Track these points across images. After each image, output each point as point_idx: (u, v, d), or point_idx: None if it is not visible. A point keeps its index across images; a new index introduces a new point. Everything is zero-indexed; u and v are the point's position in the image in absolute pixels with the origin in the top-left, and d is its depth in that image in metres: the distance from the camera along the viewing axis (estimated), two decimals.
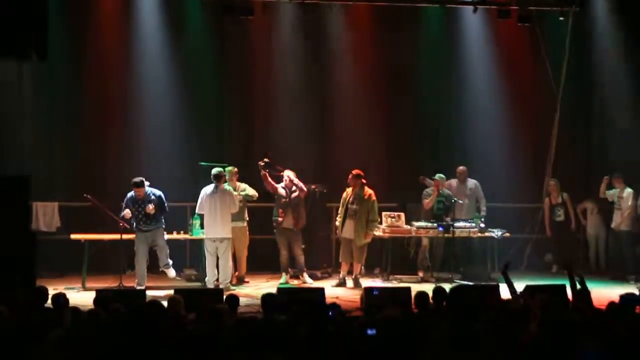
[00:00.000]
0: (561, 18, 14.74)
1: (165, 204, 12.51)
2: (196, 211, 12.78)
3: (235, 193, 12.84)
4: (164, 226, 12.64)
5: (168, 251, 12.67)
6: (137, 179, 12.36)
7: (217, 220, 12.60)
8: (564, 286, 9.61)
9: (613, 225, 14.26)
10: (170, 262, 12.67)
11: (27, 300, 8.19)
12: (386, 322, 6.21)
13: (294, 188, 13.19)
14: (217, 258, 12.68)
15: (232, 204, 12.70)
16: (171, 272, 12.72)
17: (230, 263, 12.84)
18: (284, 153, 14.53)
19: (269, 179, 13.10)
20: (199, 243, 12.91)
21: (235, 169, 13.25)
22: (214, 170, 12.71)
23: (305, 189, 13.26)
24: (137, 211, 12.38)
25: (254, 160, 13.58)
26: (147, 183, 12.46)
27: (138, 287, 12.11)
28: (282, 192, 13.18)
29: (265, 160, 13.09)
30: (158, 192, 12.49)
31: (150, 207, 12.26)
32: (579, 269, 13.01)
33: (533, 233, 15.16)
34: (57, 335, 6.37)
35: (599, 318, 7.05)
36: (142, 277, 12.41)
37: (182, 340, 6.24)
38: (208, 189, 12.66)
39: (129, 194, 12.42)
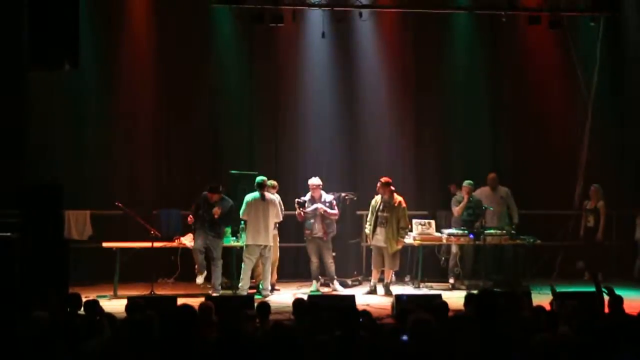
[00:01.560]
0: (592, 23, 14.65)
1: (232, 214, 12.66)
2: (241, 215, 12.80)
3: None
4: (223, 238, 12.74)
5: (220, 272, 12.69)
6: (214, 184, 12.66)
7: (263, 228, 12.66)
8: (595, 293, 9.51)
9: None
10: (220, 289, 12.70)
11: (62, 307, 8.27)
12: (416, 326, 6.20)
13: (323, 199, 13.20)
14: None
15: (278, 213, 12.82)
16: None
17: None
18: (313, 160, 14.60)
19: (302, 214, 13.19)
20: (231, 250, 12.96)
21: (275, 183, 13.21)
22: (258, 179, 12.79)
23: (337, 212, 13.28)
24: (205, 213, 12.56)
25: (284, 167, 13.61)
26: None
27: (198, 279, 12.69)
28: (310, 206, 13.21)
29: (304, 199, 13.17)
30: (230, 202, 12.65)
31: (216, 209, 12.47)
32: (610, 276, 13.16)
33: (565, 240, 15.06)
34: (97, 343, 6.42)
35: (630, 324, 7.00)
36: (203, 265, 12.68)
37: (213, 346, 6.27)
38: (254, 195, 12.72)
39: (204, 193, 12.62)
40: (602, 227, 14.49)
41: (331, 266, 13.35)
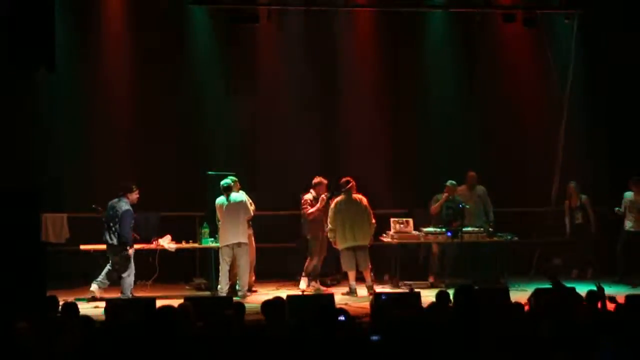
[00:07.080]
0: (566, 21, 14.72)
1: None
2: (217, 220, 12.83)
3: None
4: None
5: (108, 270, 12.47)
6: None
7: (236, 226, 12.63)
8: (573, 289, 9.60)
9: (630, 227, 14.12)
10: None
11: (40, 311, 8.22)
12: (393, 323, 6.22)
13: (305, 198, 13.27)
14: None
15: (247, 210, 12.77)
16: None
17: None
18: (291, 159, 14.60)
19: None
20: (208, 252, 12.92)
21: (235, 179, 13.17)
22: (223, 182, 12.73)
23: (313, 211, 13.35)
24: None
25: (261, 167, 13.58)
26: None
27: None
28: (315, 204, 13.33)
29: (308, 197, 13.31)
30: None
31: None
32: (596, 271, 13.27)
33: (542, 237, 15.12)
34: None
35: (608, 318, 7.06)
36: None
37: (191, 346, 6.26)
38: (221, 200, 12.71)
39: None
40: (594, 220, 14.52)
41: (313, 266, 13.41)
